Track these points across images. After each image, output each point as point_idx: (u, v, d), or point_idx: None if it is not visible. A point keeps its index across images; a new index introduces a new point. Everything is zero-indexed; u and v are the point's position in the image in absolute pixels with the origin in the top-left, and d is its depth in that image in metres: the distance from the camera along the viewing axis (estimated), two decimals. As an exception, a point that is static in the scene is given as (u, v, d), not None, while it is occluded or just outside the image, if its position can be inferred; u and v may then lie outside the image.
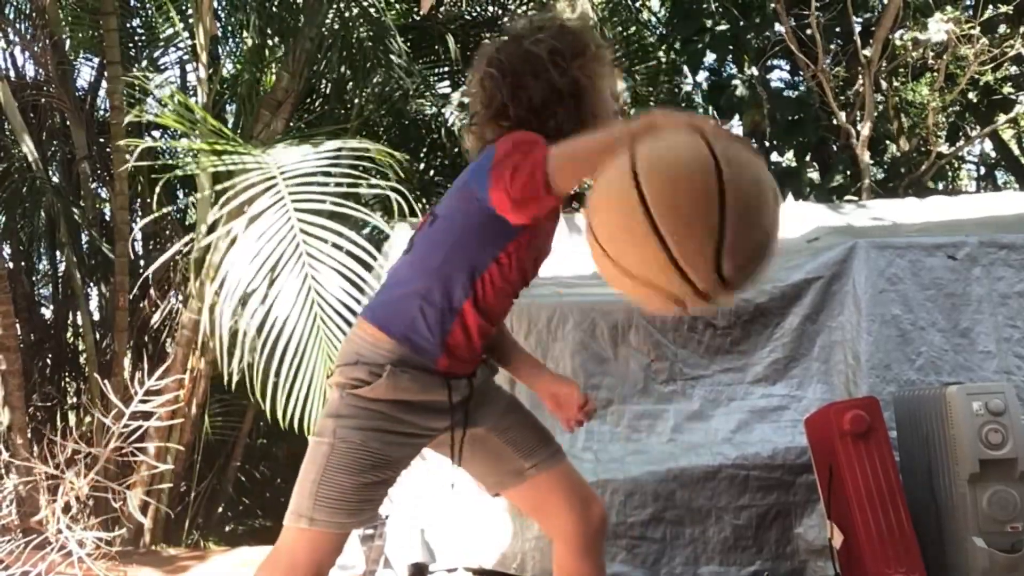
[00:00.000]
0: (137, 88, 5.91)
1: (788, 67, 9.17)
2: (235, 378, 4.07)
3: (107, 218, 6.55)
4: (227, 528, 6.71)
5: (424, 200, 7.16)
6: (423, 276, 1.84)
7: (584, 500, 2.01)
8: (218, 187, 4.49)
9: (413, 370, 1.79)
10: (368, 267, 4.14)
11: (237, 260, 4.13)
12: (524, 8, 7.37)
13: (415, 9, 6.86)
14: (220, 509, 6.51)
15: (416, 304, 1.81)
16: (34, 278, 7.23)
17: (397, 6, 6.99)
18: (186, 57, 6.55)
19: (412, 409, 1.81)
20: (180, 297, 6.34)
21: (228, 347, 4.08)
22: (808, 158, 8.68)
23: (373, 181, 4.46)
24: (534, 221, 1.75)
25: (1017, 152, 9.85)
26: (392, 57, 5.74)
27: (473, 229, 1.81)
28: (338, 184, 4.41)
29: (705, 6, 7.79)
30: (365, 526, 3.56)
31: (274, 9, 5.49)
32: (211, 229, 4.68)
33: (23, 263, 6.89)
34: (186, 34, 6.15)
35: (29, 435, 5.15)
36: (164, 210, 4.91)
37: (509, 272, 1.86)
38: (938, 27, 6.82)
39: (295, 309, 4.05)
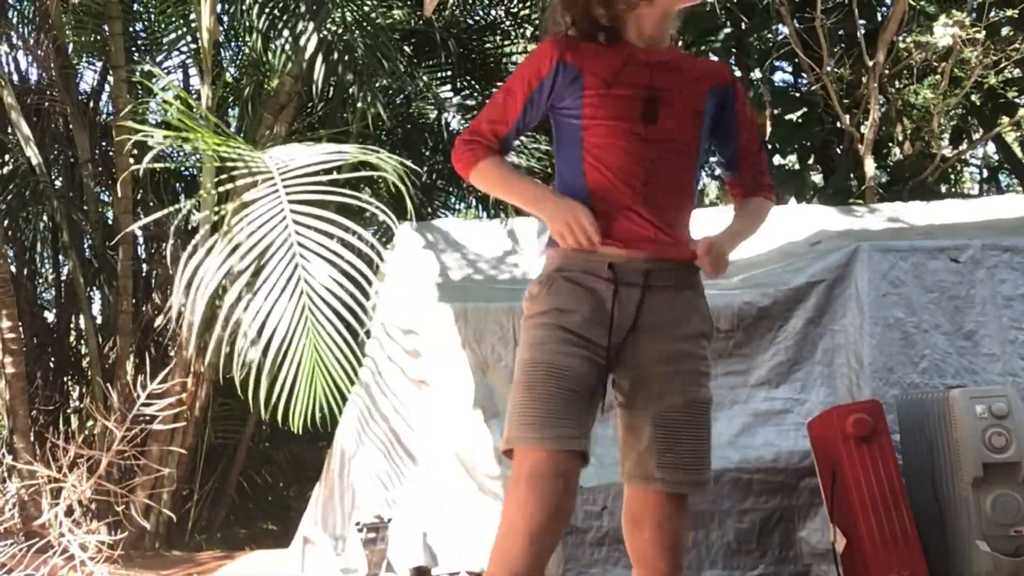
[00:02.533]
0: (140, 91, 5.91)
1: (791, 69, 9.17)
2: (231, 376, 4.04)
3: (109, 222, 6.55)
4: (230, 532, 6.69)
5: (428, 204, 7.18)
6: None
7: None
8: (219, 182, 4.47)
9: None
10: (370, 264, 4.13)
11: (219, 251, 4.10)
12: (526, 12, 7.37)
13: (417, 14, 6.86)
14: (223, 513, 6.50)
15: None
16: (37, 282, 7.25)
17: (398, 13, 6.98)
18: (189, 61, 6.57)
19: None
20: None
21: (213, 339, 4.05)
22: (811, 161, 8.67)
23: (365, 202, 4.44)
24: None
25: (1020, 155, 9.82)
26: (394, 61, 5.74)
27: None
28: (339, 188, 4.39)
29: (708, 9, 7.77)
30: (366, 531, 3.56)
31: (276, 12, 5.48)
32: (213, 230, 4.68)
33: (26, 267, 6.90)
34: (188, 38, 6.16)
35: (32, 439, 5.15)
36: (163, 205, 4.87)
37: None
38: (944, 32, 6.79)
39: (282, 299, 4.01)
